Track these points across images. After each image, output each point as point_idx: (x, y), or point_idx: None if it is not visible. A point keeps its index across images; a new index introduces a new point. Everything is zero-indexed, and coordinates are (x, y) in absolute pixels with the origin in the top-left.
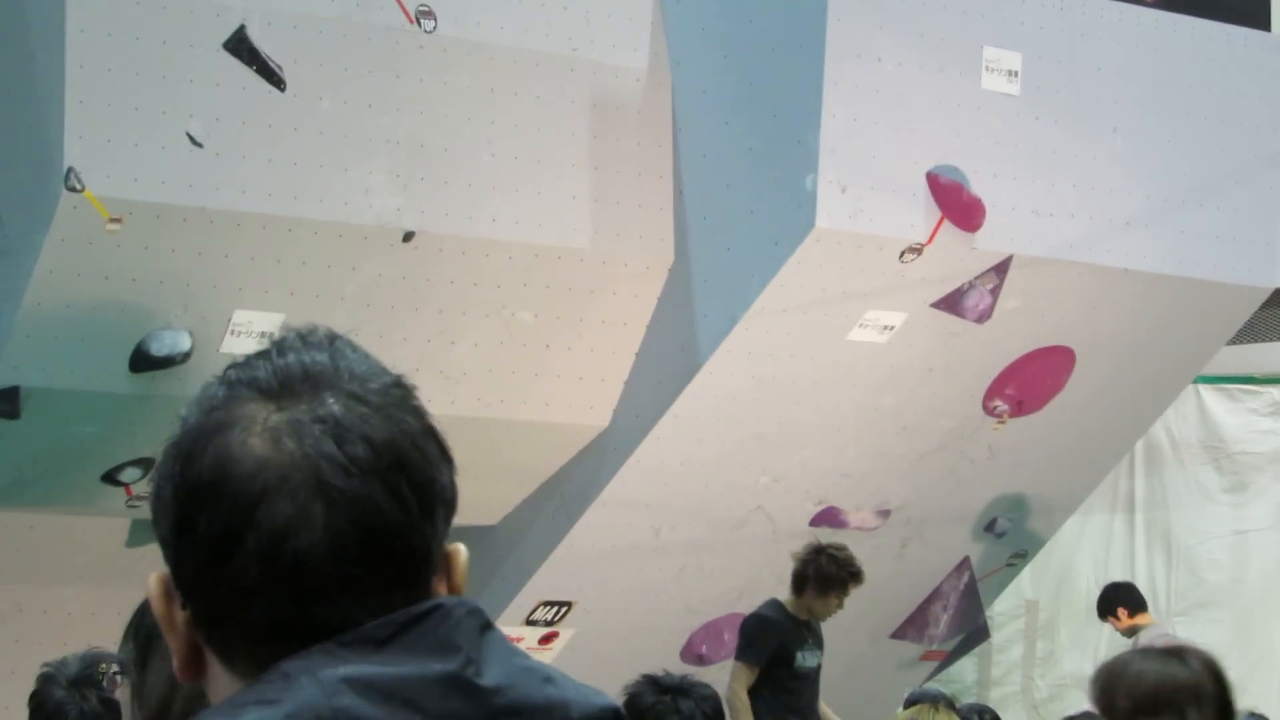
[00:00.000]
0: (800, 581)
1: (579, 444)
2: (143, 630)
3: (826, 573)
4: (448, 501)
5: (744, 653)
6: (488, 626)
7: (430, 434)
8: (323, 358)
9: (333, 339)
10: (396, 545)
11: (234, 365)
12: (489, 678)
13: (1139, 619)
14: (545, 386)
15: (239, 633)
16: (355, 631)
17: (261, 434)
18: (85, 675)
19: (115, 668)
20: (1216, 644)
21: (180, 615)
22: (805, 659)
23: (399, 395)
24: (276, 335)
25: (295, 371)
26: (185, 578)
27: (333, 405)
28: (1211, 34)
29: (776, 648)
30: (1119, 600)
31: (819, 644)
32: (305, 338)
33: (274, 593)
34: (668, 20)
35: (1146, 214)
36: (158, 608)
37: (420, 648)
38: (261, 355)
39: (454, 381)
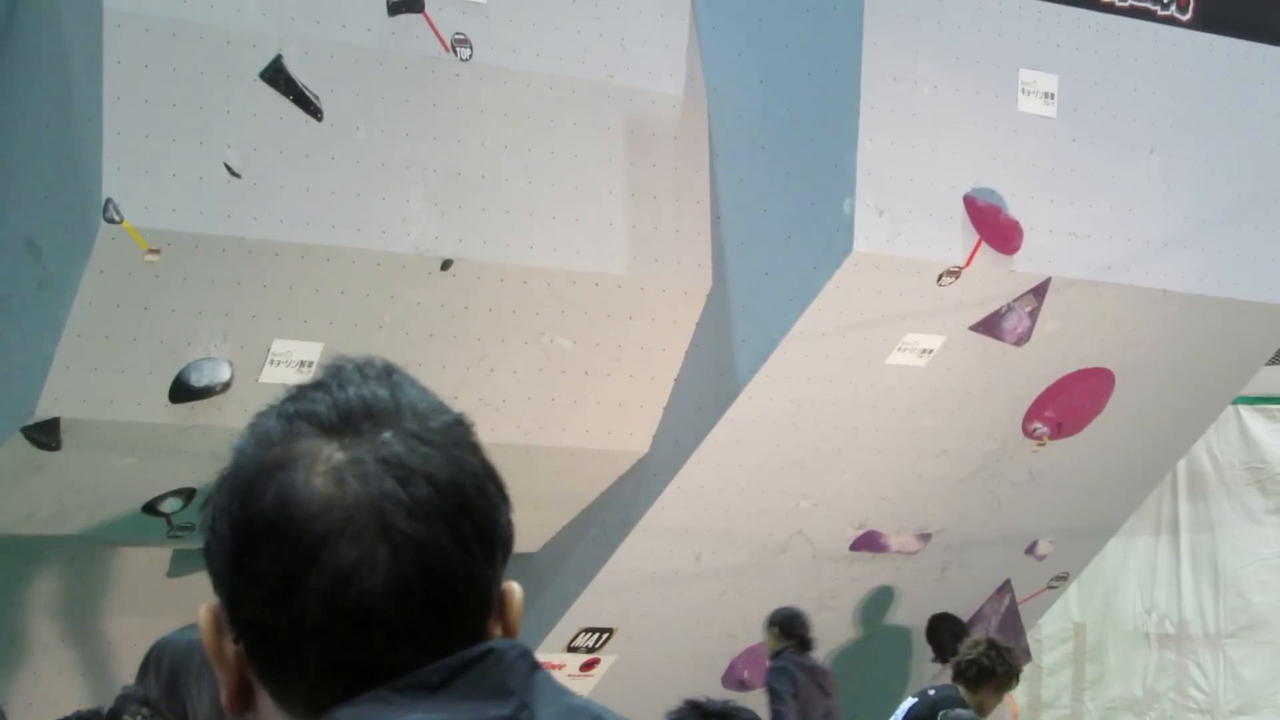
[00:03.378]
0: (983, 676)
1: (619, 470)
2: (163, 669)
3: (1015, 670)
4: (506, 542)
5: None
6: (535, 667)
7: (490, 474)
8: (383, 392)
9: (390, 371)
10: (460, 589)
11: (291, 397)
12: None
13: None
14: (584, 413)
15: (295, 673)
16: (409, 676)
17: (325, 474)
18: None
19: (143, 712)
20: (1266, 666)
21: (231, 649)
22: None
23: (460, 434)
24: (332, 366)
25: (355, 406)
26: (241, 614)
27: (395, 444)
28: (1247, 54)
29: None
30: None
31: None
32: (363, 370)
33: (334, 636)
34: (703, 46)
35: (1184, 235)
36: (208, 640)
37: (474, 693)
38: (319, 387)
39: (493, 409)
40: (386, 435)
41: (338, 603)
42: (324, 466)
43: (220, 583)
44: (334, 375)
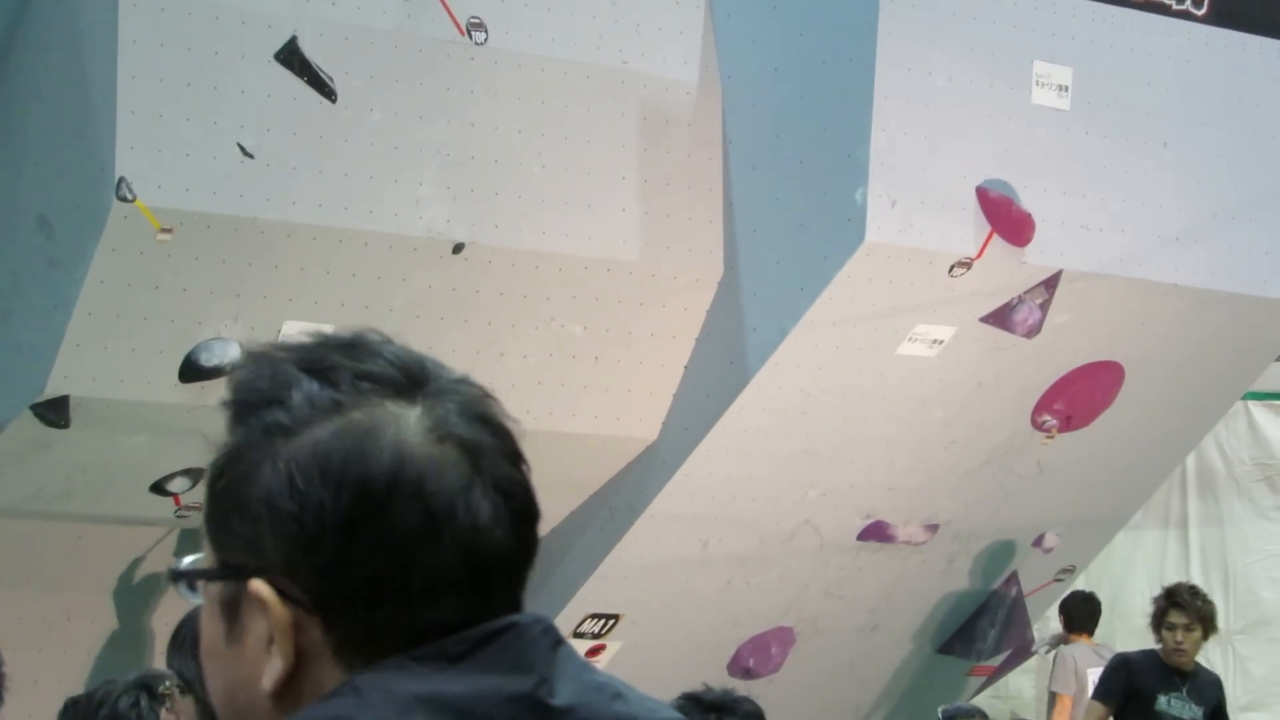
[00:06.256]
0: (1154, 626)
1: (627, 457)
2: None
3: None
4: None
5: (1096, 689)
6: (559, 643)
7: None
8: (407, 354)
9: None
10: (537, 531)
11: (338, 364)
12: (560, 697)
13: (1073, 636)
14: (594, 399)
15: (405, 630)
16: (429, 646)
17: (428, 431)
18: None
19: (176, 683)
20: (1275, 663)
21: (292, 620)
22: (1170, 705)
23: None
24: (346, 334)
25: (411, 362)
26: (341, 579)
27: (459, 394)
28: (1262, 49)
29: (1129, 687)
30: (1065, 609)
31: (1198, 697)
32: (370, 335)
33: (464, 587)
34: (718, 33)
35: (1196, 229)
36: (278, 614)
37: (494, 666)
38: (351, 351)
39: (503, 394)
40: (448, 385)
41: (472, 552)
42: (427, 423)
43: (313, 552)
44: (356, 341)
